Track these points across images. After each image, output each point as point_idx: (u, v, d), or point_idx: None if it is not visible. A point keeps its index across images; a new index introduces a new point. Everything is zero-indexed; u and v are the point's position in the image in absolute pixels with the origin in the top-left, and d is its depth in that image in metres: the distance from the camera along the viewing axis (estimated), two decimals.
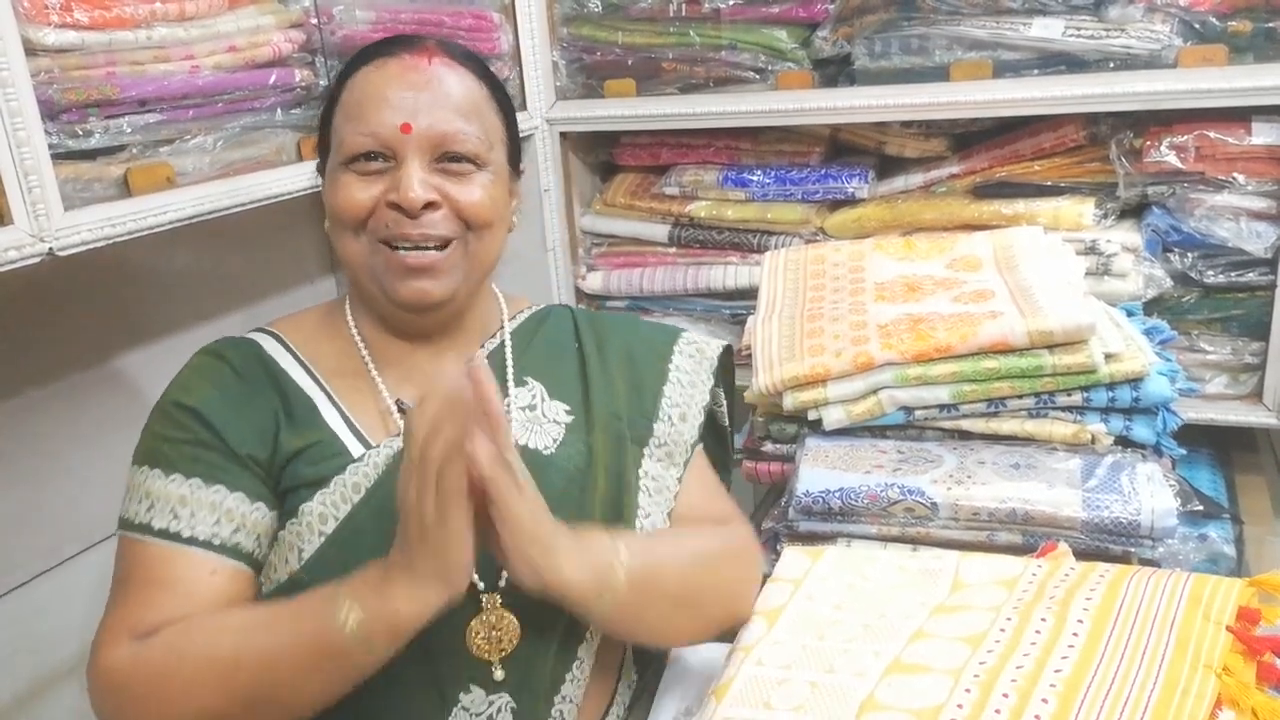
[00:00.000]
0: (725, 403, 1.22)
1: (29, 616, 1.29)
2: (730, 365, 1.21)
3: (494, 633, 0.95)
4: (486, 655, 0.94)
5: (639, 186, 1.95)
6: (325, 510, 0.94)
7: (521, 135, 1.79)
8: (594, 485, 1.03)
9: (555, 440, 1.03)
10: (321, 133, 1.03)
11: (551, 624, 0.98)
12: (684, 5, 1.78)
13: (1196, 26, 1.53)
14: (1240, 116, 1.51)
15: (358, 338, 1.04)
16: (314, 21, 1.35)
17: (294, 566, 0.94)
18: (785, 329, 1.47)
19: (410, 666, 0.91)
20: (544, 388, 1.07)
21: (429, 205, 0.95)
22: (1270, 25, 1.49)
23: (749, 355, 1.48)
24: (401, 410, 1.01)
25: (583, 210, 2.00)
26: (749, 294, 1.78)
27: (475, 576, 0.94)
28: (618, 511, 1.06)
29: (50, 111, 1.02)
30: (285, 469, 0.96)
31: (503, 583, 0.95)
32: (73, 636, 1.34)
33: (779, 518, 1.33)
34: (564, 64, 1.87)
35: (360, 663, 0.84)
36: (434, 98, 0.96)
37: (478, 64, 1.03)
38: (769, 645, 1.01)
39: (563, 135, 1.89)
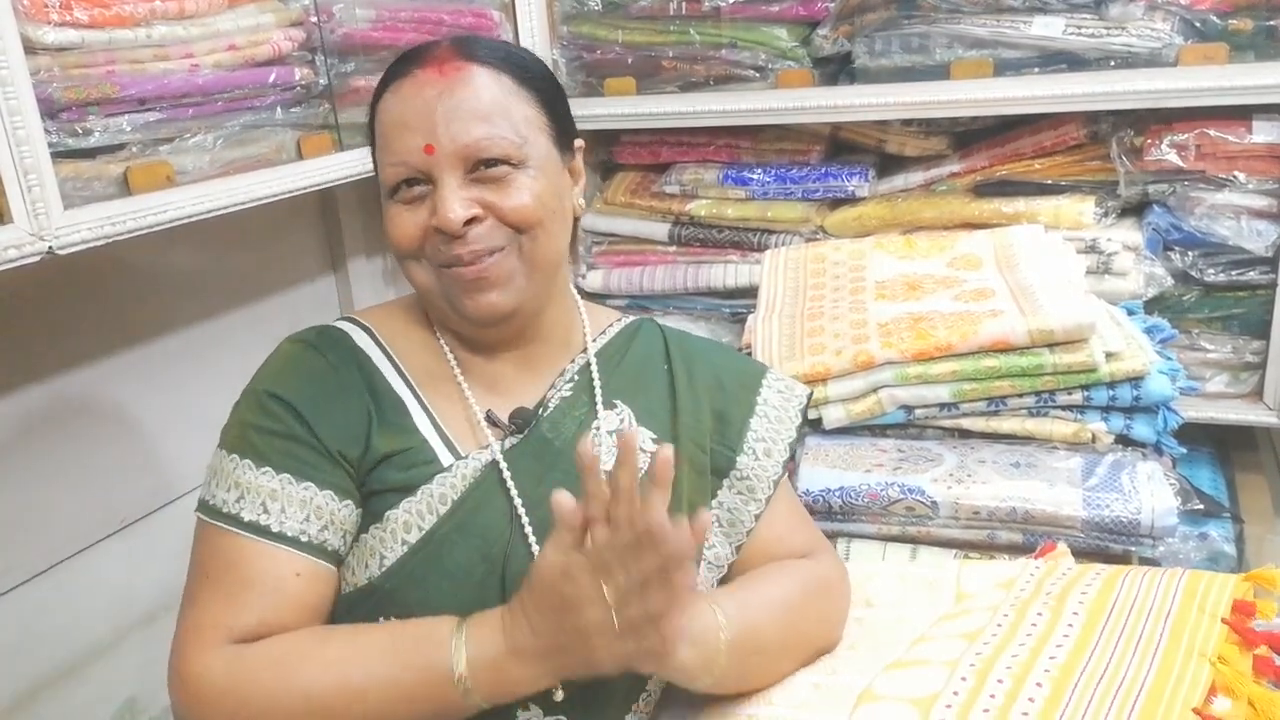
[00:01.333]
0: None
1: (29, 616, 1.29)
2: (806, 412, 1.17)
3: None
4: None
5: (639, 185, 1.94)
6: (410, 519, 0.93)
7: None
8: (674, 518, 1.02)
9: (641, 470, 0.99)
10: (376, 168, 1.02)
11: None
12: (684, 4, 1.78)
13: (1197, 25, 1.53)
14: (1241, 115, 1.51)
15: (443, 344, 1.03)
16: (314, 20, 1.35)
17: (374, 572, 0.92)
18: (785, 328, 1.47)
19: None
20: (632, 412, 1.04)
21: (471, 221, 0.92)
22: (1271, 23, 1.49)
23: (749, 354, 1.47)
24: (492, 422, 0.99)
25: (583, 209, 2.00)
26: (749, 293, 1.78)
27: None
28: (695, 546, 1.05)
29: (50, 110, 1.02)
30: (374, 471, 0.94)
31: None
32: (73, 636, 1.34)
33: None
34: (564, 62, 1.87)
35: (459, 710, 0.85)
36: (451, 109, 0.92)
37: (498, 55, 0.98)
38: None
39: None
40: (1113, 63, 1.56)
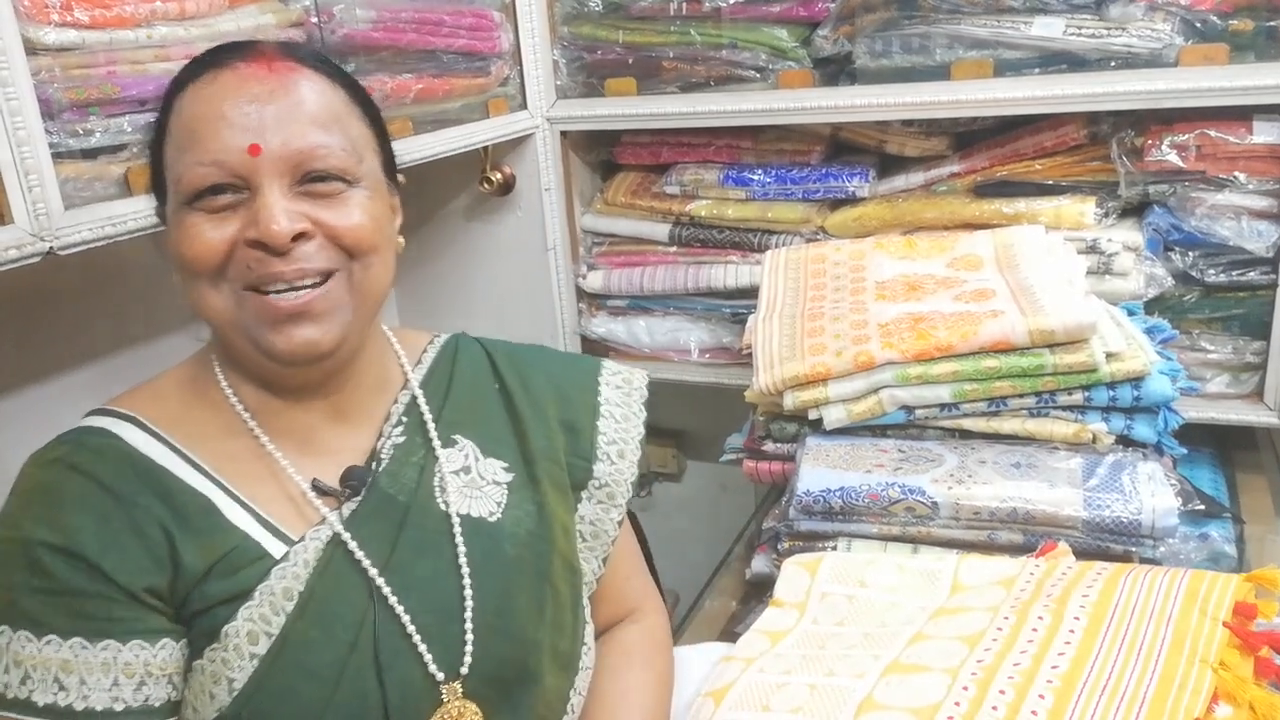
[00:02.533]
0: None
1: None
2: (646, 403, 1.10)
3: None
4: None
5: (640, 185, 1.94)
6: (255, 628, 0.80)
7: (522, 134, 1.81)
8: (553, 546, 0.95)
9: (500, 504, 0.93)
10: (154, 170, 0.88)
11: (525, 699, 0.90)
12: (685, 4, 1.78)
13: (1198, 25, 1.53)
14: (1241, 115, 1.51)
15: (238, 405, 0.88)
16: (314, 20, 1.35)
17: (223, 701, 0.80)
18: (786, 328, 1.47)
19: None
20: (475, 445, 0.96)
21: (299, 236, 0.80)
22: (1271, 24, 1.49)
23: (750, 354, 1.48)
24: (320, 492, 0.87)
25: (583, 209, 2.00)
26: (750, 293, 1.78)
27: (433, 666, 0.85)
28: (574, 568, 0.98)
29: (50, 111, 1.02)
30: (194, 590, 0.81)
31: (464, 669, 0.86)
32: None
33: (780, 517, 1.33)
34: (564, 63, 1.87)
35: None
36: (283, 110, 0.81)
37: (330, 65, 0.88)
38: (771, 657, 1.01)
39: (563, 134, 1.89)
40: (1113, 63, 1.56)
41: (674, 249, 1.91)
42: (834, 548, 1.27)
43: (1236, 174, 1.52)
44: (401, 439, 0.93)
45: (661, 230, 1.90)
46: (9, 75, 0.95)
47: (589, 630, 1.00)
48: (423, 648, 0.85)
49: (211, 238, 0.81)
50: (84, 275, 1.32)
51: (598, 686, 1.00)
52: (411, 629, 0.85)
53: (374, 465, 0.91)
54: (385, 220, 0.88)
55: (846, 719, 0.87)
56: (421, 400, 0.96)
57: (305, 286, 0.82)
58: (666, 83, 1.83)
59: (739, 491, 2.10)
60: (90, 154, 1.08)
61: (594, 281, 1.96)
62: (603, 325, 1.98)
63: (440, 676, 0.85)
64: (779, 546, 1.31)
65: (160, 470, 0.83)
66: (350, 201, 0.84)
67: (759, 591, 1.36)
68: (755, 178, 1.81)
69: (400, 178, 0.95)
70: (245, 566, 0.82)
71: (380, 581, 0.85)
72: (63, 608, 0.77)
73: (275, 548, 0.84)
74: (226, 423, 0.88)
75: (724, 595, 1.43)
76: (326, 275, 0.83)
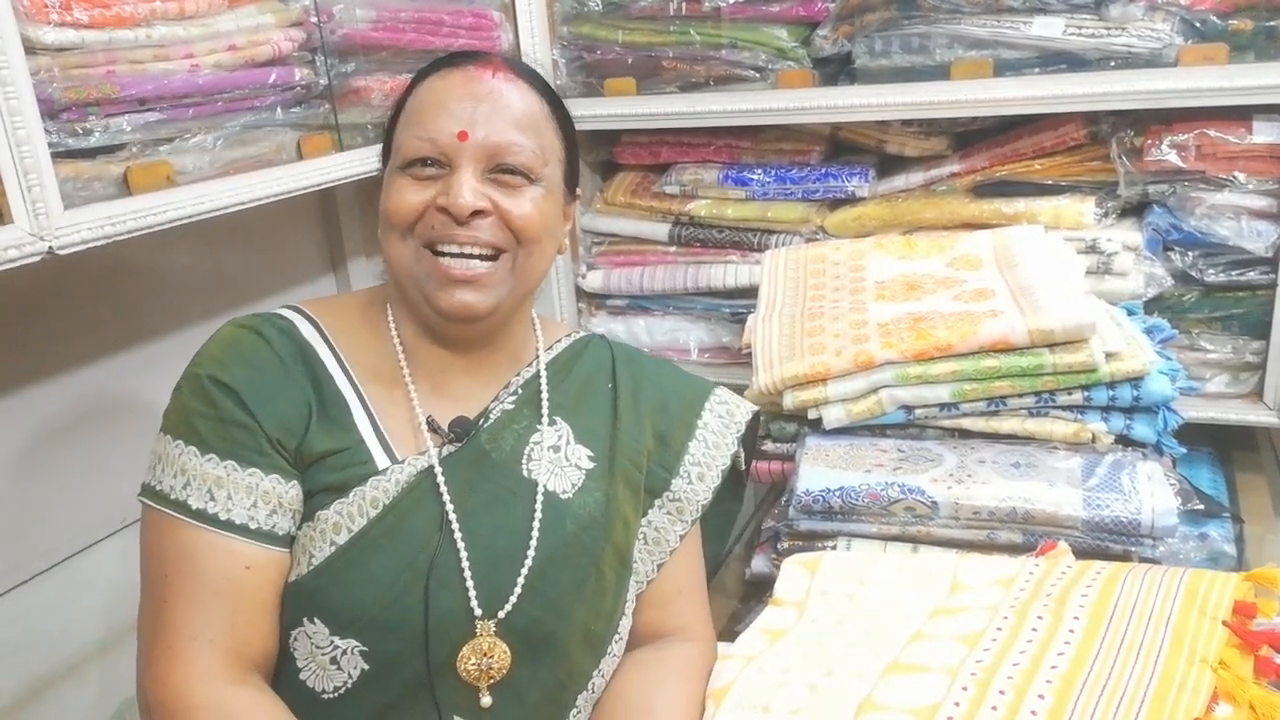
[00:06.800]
0: (745, 462, 1.24)
1: (29, 616, 1.29)
2: (756, 427, 1.23)
3: (485, 659, 0.95)
4: (475, 681, 0.95)
5: (639, 185, 1.94)
6: (340, 521, 0.94)
7: None
8: (608, 536, 1.04)
9: (574, 485, 1.04)
10: (385, 141, 1.04)
11: (548, 661, 0.98)
12: (684, 4, 1.78)
13: (1197, 25, 1.53)
14: (1241, 115, 1.51)
15: (396, 340, 1.03)
16: (314, 20, 1.35)
17: (303, 570, 0.94)
18: (785, 328, 1.47)
19: (403, 682, 0.94)
20: (571, 429, 1.07)
21: (478, 212, 0.95)
22: (1271, 24, 1.49)
23: (749, 354, 1.48)
24: (431, 428, 1.00)
25: (583, 209, 2.00)
26: (749, 293, 1.78)
27: (474, 603, 0.95)
28: (624, 561, 1.07)
29: (50, 110, 1.02)
30: (308, 470, 0.95)
31: (502, 614, 0.96)
32: (73, 636, 1.34)
33: (779, 517, 1.33)
34: (564, 63, 1.87)
35: None
36: (493, 109, 0.96)
37: (542, 82, 1.04)
38: (770, 656, 1.01)
39: None
40: (1113, 63, 1.56)
41: (674, 249, 1.91)
42: (834, 547, 1.27)
43: (1236, 174, 1.52)
44: (511, 406, 1.05)
45: (661, 230, 1.91)
46: (8, 75, 0.95)
47: (625, 622, 1.08)
48: (470, 585, 0.95)
49: (411, 199, 0.96)
50: (84, 275, 1.32)
51: (632, 692, 1.05)
52: (466, 566, 0.95)
53: (481, 421, 1.03)
54: (553, 219, 1.02)
55: (847, 718, 0.87)
56: (543, 379, 1.08)
57: (476, 257, 0.96)
58: (666, 82, 1.83)
59: None
60: (89, 154, 1.08)
61: (594, 281, 1.96)
62: (602, 325, 1.98)
63: (479, 613, 0.95)
64: (779, 546, 1.31)
65: (319, 363, 0.99)
66: (527, 195, 0.98)
67: (759, 591, 1.36)
68: (755, 177, 1.81)
69: (579, 192, 1.10)
70: (352, 466, 0.96)
71: (453, 518, 0.96)
72: (223, 434, 0.92)
73: (381, 460, 0.97)
74: (381, 348, 1.03)
75: (724, 594, 1.43)
76: (495, 253, 0.97)
